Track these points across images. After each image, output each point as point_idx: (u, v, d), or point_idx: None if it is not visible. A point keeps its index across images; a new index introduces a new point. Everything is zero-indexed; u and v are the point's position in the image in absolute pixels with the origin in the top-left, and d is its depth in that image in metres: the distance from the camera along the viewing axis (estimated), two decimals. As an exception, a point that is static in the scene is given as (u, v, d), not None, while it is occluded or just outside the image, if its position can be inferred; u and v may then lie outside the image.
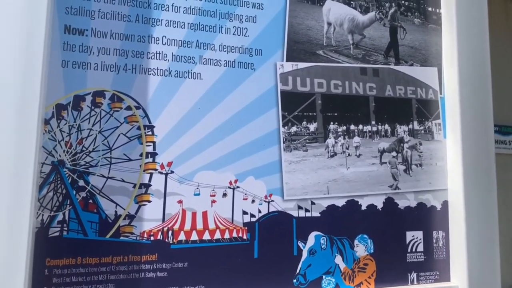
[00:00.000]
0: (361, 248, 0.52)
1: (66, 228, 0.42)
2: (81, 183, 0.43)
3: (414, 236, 0.55)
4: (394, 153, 0.56)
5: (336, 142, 0.53)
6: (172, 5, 0.49)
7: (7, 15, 0.41)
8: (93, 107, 0.45)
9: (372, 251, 0.53)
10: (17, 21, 0.41)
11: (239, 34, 0.51)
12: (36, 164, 0.40)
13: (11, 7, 0.41)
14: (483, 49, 0.59)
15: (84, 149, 0.44)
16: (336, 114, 0.54)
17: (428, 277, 0.55)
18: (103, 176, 0.44)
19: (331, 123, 0.53)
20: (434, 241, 0.56)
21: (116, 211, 0.44)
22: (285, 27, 0.52)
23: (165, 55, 0.48)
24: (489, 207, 0.55)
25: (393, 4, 0.59)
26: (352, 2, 0.57)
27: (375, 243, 0.53)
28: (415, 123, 0.57)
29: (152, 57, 0.47)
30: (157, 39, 0.48)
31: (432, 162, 0.57)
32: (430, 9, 0.61)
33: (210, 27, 0.50)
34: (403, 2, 0.59)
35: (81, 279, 0.42)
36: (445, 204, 0.57)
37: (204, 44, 0.49)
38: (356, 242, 0.52)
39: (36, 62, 0.41)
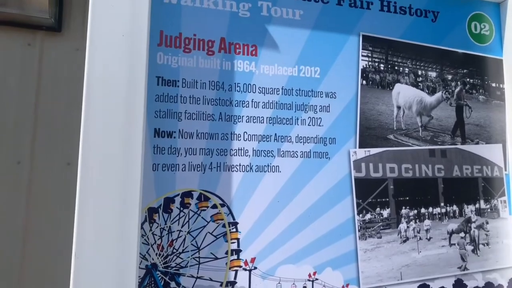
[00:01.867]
0: (433, 332, 0.53)
1: (161, 331, 0.44)
2: (173, 284, 0.45)
3: (483, 317, 0.56)
4: (462, 234, 0.57)
5: (408, 227, 0.54)
6: (252, 101, 0.50)
7: (110, 131, 0.42)
8: (182, 208, 0.46)
9: (443, 334, 0.54)
10: (119, 131, 0.42)
11: (313, 124, 0.52)
12: (136, 270, 0.42)
13: (113, 125, 0.42)
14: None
15: (174, 250, 0.45)
16: (407, 198, 0.55)
17: None
18: (193, 276, 0.46)
19: (403, 207, 0.54)
20: (502, 320, 0.57)
21: (206, 311, 0.46)
22: (357, 114, 0.54)
23: (247, 151, 0.49)
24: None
25: (459, 83, 0.59)
26: (420, 84, 0.57)
27: (446, 326, 0.54)
28: (482, 201, 0.58)
29: (235, 154, 0.49)
30: (239, 135, 0.49)
31: (498, 241, 0.58)
32: (494, 85, 0.61)
33: (287, 119, 0.51)
34: (468, 80, 0.60)
35: None
36: (511, 282, 0.58)
37: (282, 137, 0.51)
38: (428, 326, 0.53)
39: (135, 167, 0.43)
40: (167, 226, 0.46)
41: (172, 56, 0.48)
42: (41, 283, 0.93)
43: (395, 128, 0.55)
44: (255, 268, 0.48)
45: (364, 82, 0.54)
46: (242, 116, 0.50)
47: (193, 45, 0.48)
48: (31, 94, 1.22)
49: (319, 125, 0.52)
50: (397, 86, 0.56)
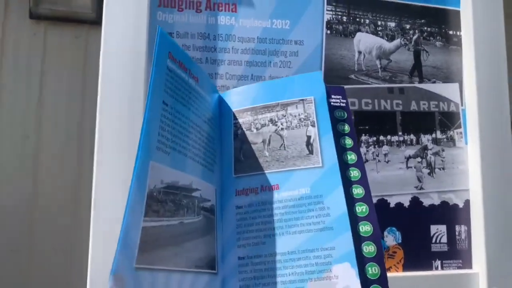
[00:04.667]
0: (390, 239, 0.63)
1: None
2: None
3: (438, 229, 0.65)
4: (419, 159, 0.66)
5: (367, 151, 0.64)
6: (232, 48, 0.63)
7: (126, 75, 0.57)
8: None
9: (400, 241, 0.63)
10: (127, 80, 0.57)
11: (284, 66, 0.64)
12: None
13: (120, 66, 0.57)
14: (499, 64, 0.67)
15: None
16: (367, 127, 0.65)
17: (451, 265, 0.64)
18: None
19: (363, 134, 0.65)
20: (457, 234, 0.65)
21: None
22: (322, 58, 0.65)
23: (228, 87, 0.62)
24: (506, 203, 0.64)
25: (416, 31, 0.69)
26: (379, 32, 0.68)
27: (402, 235, 0.64)
28: (438, 132, 0.67)
29: (219, 90, 0.62)
30: (222, 75, 0.62)
31: (454, 166, 0.67)
32: (451, 32, 0.70)
33: (261, 62, 0.64)
34: (425, 28, 0.69)
35: None
36: (466, 202, 0.66)
37: (257, 77, 0.63)
38: (385, 233, 0.63)
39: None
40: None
41: (168, 14, 0.62)
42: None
43: (356, 70, 0.66)
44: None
45: (329, 32, 0.66)
46: (224, 60, 0.63)
47: (184, 5, 0.62)
48: (78, 82, 1.43)
49: (289, 67, 0.65)
50: (358, 35, 0.67)
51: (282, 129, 0.48)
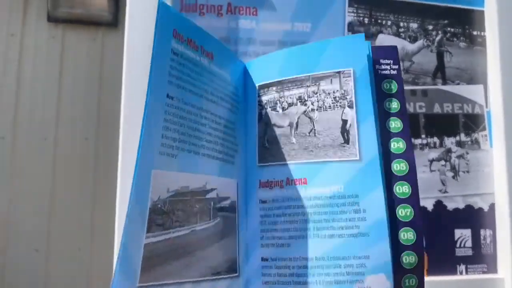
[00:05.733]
0: (414, 243, 0.62)
1: None
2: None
3: (462, 234, 0.64)
4: (442, 162, 0.65)
5: (389, 154, 0.64)
6: (253, 51, 0.63)
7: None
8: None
9: (423, 246, 0.63)
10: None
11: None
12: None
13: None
14: (526, 66, 0.66)
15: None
16: (389, 130, 0.64)
17: (476, 269, 0.64)
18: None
19: (385, 138, 0.64)
20: (482, 238, 0.64)
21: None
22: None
23: (249, 91, 0.62)
24: (533, 208, 0.63)
25: (439, 32, 0.68)
26: (402, 34, 0.67)
27: (426, 239, 0.63)
28: (462, 135, 0.66)
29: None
30: (243, 78, 0.62)
31: (479, 169, 0.66)
32: (475, 33, 0.69)
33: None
34: (449, 29, 0.68)
35: None
36: (492, 206, 0.65)
37: (279, 80, 0.63)
38: (409, 237, 0.62)
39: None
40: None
41: (190, 18, 0.62)
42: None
43: (378, 72, 0.65)
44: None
45: (351, 33, 0.65)
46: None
47: (206, 9, 0.63)
48: (95, 83, 1.45)
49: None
50: (380, 37, 0.67)
51: (312, 110, 0.40)
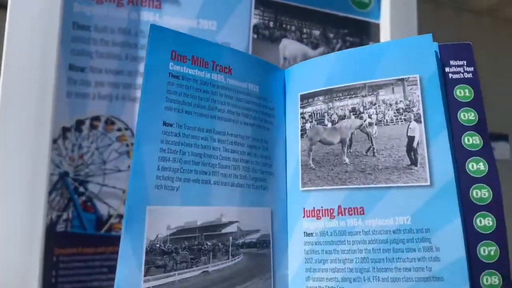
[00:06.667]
0: None
1: (70, 225, 0.54)
2: (81, 189, 0.56)
3: None
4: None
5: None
6: (155, 46, 0.61)
7: (23, 60, 0.53)
8: (91, 129, 0.57)
9: None
10: (34, 64, 0.53)
11: (209, 68, 0.63)
12: (47, 175, 0.52)
13: (26, 53, 0.53)
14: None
15: (84, 162, 0.56)
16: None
17: None
18: (99, 184, 0.56)
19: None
20: None
21: (109, 211, 0.56)
22: (248, 61, 0.65)
23: (149, 86, 0.60)
24: None
25: (339, 40, 0.72)
26: (305, 40, 0.69)
27: None
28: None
29: (138, 88, 0.59)
30: (142, 73, 0.60)
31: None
32: (371, 43, 0.74)
33: (186, 63, 0.62)
34: (348, 38, 0.72)
35: (81, 265, 0.55)
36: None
37: (181, 77, 0.62)
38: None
39: (48, 93, 0.53)
40: (77, 143, 0.56)
41: (86, 6, 0.58)
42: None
43: (281, 75, 0.67)
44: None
45: (255, 36, 0.66)
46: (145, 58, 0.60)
47: (104, -3, 0.59)
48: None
49: (214, 69, 0.64)
50: (284, 41, 0.68)
51: (370, 124, 0.34)
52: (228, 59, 0.37)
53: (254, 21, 0.66)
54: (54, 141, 0.55)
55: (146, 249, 0.29)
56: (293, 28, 0.69)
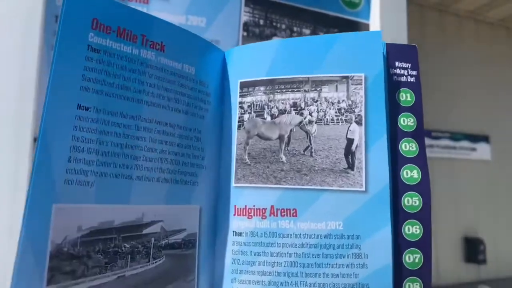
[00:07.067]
0: None
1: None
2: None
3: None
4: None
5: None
6: (143, 42, 0.60)
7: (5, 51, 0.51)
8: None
9: None
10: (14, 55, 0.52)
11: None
12: (29, 174, 0.51)
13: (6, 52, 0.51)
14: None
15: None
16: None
17: None
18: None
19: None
20: None
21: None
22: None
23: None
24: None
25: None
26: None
27: None
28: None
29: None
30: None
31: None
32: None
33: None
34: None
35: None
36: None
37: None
38: None
39: (29, 92, 0.52)
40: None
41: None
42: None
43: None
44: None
45: (245, 33, 0.65)
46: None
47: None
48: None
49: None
50: (274, 39, 0.68)
51: (310, 122, 0.32)
52: (161, 34, 0.31)
53: (244, 18, 0.66)
54: (35, 140, 0.54)
55: (51, 253, 0.25)
56: (283, 26, 0.69)
